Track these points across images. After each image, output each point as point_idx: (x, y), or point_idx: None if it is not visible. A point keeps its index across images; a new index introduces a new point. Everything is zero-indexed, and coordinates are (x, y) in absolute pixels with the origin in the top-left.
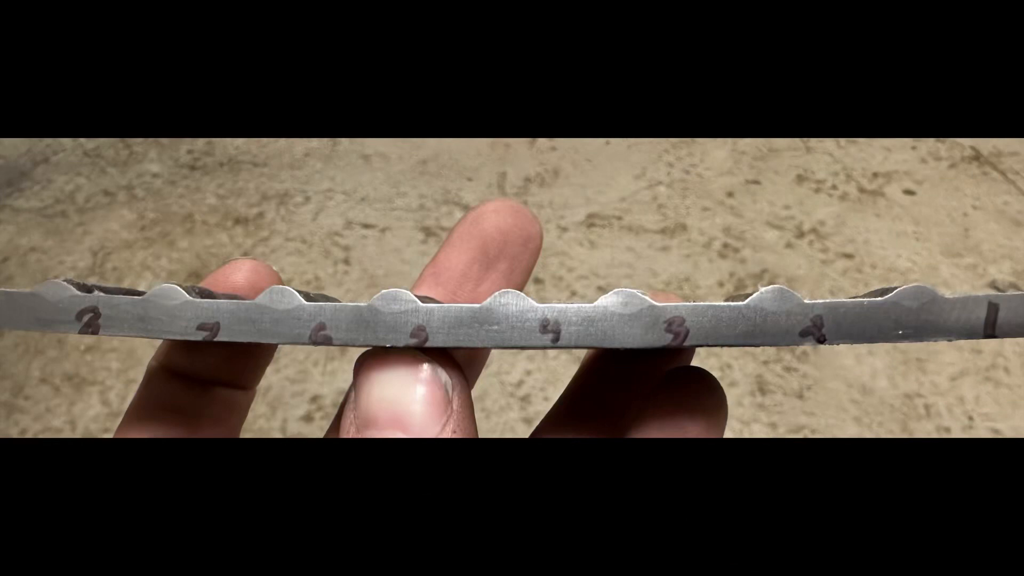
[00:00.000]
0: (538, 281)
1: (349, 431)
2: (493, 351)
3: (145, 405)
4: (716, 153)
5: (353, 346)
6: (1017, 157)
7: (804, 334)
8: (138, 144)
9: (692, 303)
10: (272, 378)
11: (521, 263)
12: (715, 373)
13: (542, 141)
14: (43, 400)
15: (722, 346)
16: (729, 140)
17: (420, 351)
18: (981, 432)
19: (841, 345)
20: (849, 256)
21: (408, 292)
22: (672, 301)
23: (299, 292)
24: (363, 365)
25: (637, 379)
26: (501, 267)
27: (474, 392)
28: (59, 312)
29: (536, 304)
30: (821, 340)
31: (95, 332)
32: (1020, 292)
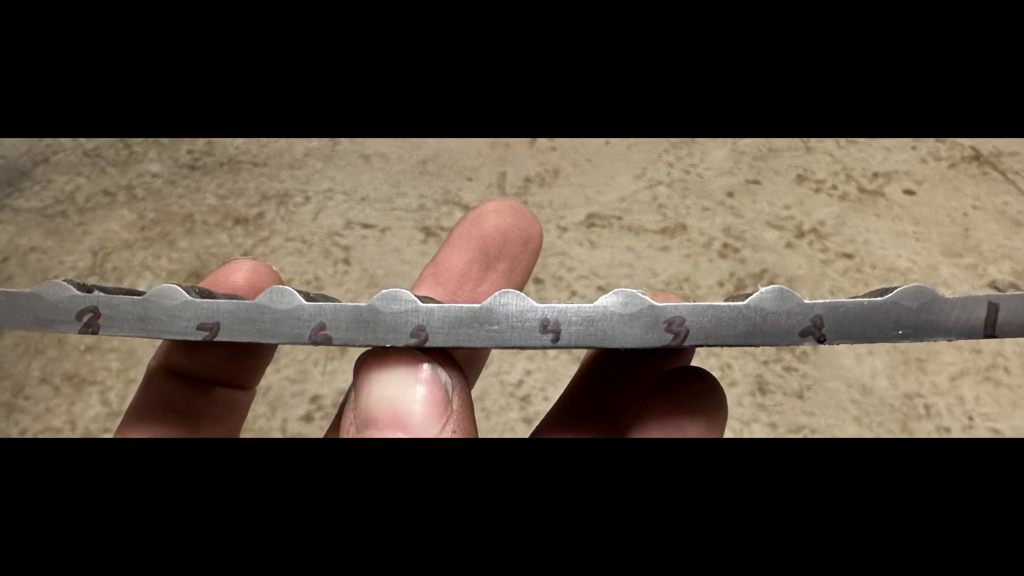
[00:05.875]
0: (538, 281)
1: (349, 431)
2: (493, 351)
3: (145, 405)
4: (716, 153)
5: (353, 346)
6: (1017, 157)
7: (804, 334)
8: (138, 144)
9: (692, 303)
10: (272, 378)
11: (521, 263)
12: (715, 373)
13: (542, 141)
14: (43, 400)
15: (722, 346)
16: (729, 140)
17: (420, 351)
18: (981, 432)
19: (841, 345)
20: (849, 256)
21: (408, 292)
22: (672, 301)
23: (299, 292)
24: (363, 365)
25: (637, 379)
26: (501, 267)
27: (474, 392)
28: (59, 312)
29: (536, 304)
30: (821, 340)
31: (95, 332)
32: (1020, 292)
